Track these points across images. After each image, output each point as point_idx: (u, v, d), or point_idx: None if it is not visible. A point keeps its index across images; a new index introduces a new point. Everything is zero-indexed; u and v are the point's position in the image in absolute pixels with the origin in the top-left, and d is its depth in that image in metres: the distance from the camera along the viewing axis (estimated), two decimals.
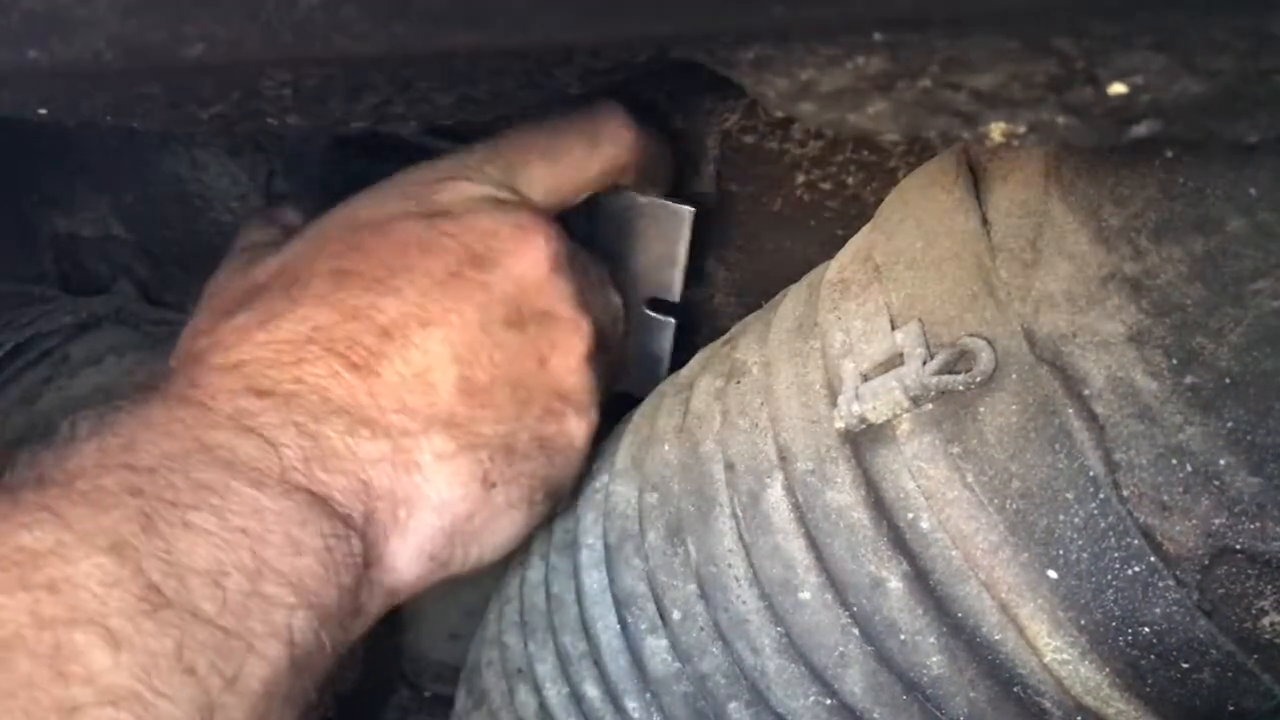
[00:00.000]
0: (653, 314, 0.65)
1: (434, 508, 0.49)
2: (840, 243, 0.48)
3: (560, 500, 0.55)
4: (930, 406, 0.38)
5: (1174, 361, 0.34)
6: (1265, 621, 0.35)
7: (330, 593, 0.45)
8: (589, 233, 0.64)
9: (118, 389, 0.67)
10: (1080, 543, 0.36)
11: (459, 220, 0.52)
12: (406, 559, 0.49)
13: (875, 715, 0.42)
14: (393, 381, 0.49)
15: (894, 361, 0.39)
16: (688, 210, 0.62)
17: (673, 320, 0.66)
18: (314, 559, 0.44)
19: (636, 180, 0.60)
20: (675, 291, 0.65)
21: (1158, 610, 0.36)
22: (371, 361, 0.49)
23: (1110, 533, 0.36)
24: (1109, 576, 0.36)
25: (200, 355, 0.49)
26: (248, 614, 0.42)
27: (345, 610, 0.46)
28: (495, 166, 0.55)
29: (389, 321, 0.50)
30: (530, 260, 0.52)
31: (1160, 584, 0.35)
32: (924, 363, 0.38)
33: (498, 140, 0.56)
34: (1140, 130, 0.27)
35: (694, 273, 0.65)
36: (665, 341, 0.67)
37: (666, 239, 0.63)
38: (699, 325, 0.71)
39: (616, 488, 0.52)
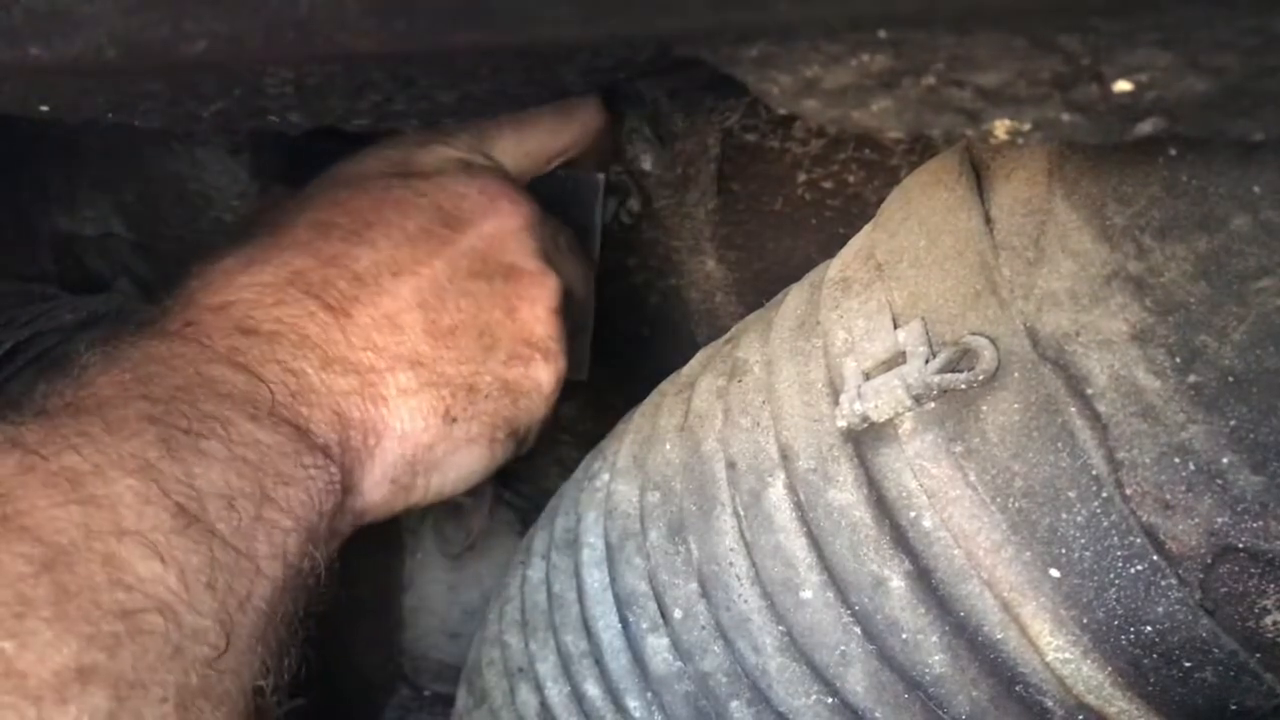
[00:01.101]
0: None
1: (398, 437, 0.53)
2: (842, 241, 0.48)
3: (524, 440, 0.59)
4: (933, 405, 0.38)
5: (1177, 360, 0.34)
6: (1268, 620, 0.35)
7: (314, 518, 0.48)
8: None
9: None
10: (1083, 541, 0.36)
11: (432, 181, 0.56)
12: (372, 483, 0.52)
13: (877, 714, 0.42)
14: (363, 323, 0.53)
15: (896, 360, 0.39)
16: (599, 178, 0.65)
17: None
18: (300, 488, 0.48)
19: (594, 154, 0.64)
20: (593, 261, 0.67)
21: (1160, 609, 0.36)
22: (345, 304, 0.53)
23: (1113, 531, 0.36)
24: (1111, 575, 0.36)
25: (192, 295, 0.53)
26: (254, 537, 0.45)
27: (325, 534, 0.49)
28: (469, 132, 0.59)
29: (362, 269, 0.54)
30: (496, 221, 0.56)
31: (1163, 583, 0.35)
32: (926, 361, 0.38)
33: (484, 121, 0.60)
34: (1145, 128, 0.27)
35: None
36: (587, 318, 0.68)
37: (581, 210, 0.66)
38: (699, 323, 0.71)
39: (618, 486, 0.52)
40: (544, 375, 0.58)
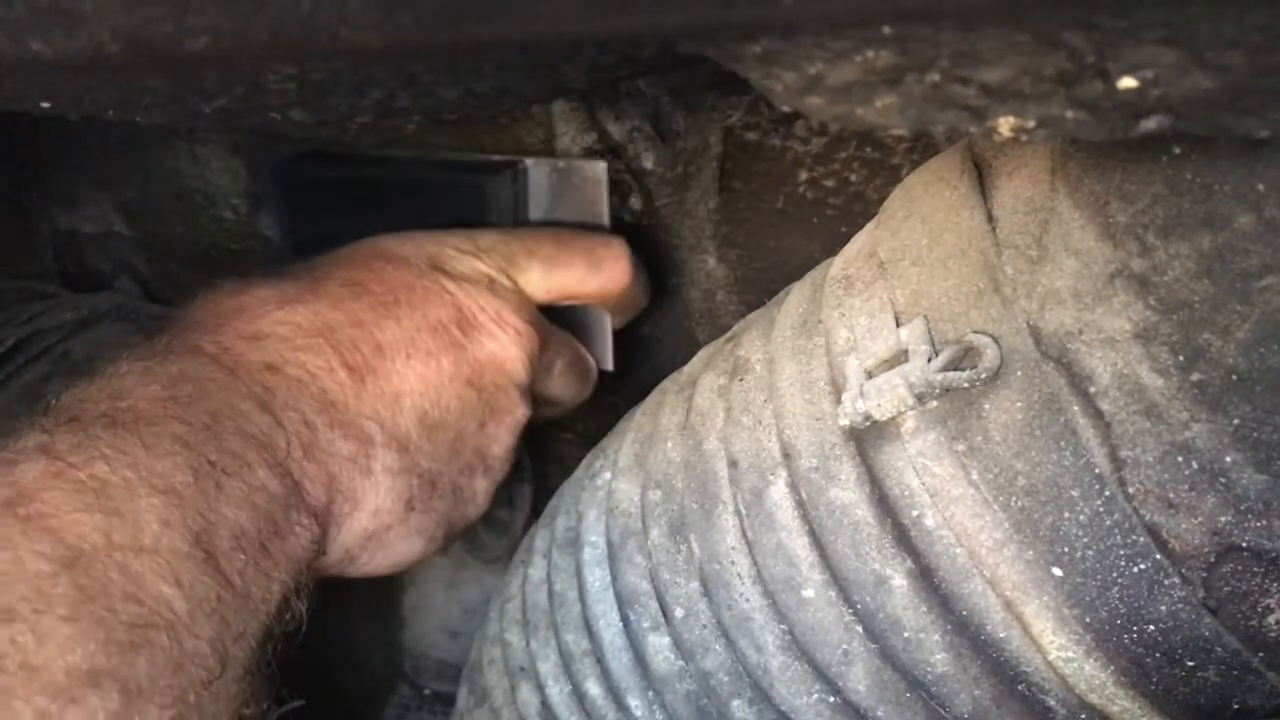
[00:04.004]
0: None
1: (370, 512, 0.55)
2: (843, 240, 0.48)
3: (451, 542, 0.62)
4: (935, 403, 0.38)
5: (1180, 358, 0.34)
6: (1271, 619, 0.35)
7: (298, 573, 0.50)
8: (516, 199, 0.67)
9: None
10: (1085, 540, 0.36)
11: (459, 284, 0.60)
12: (335, 549, 0.54)
13: (879, 713, 0.42)
14: (373, 392, 0.55)
15: (899, 358, 0.39)
16: (601, 165, 0.66)
17: None
18: (288, 542, 0.50)
19: (615, 309, 0.68)
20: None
21: (1163, 608, 0.36)
22: (363, 369, 0.55)
23: (1115, 530, 0.36)
24: (1114, 574, 0.36)
25: (227, 318, 0.55)
26: (252, 579, 0.47)
27: (301, 587, 0.51)
28: (502, 254, 0.63)
29: (384, 341, 0.56)
30: (499, 344, 0.60)
31: (1165, 581, 0.35)
32: (929, 359, 0.38)
33: (512, 234, 0.65)
34: (1149, 125, 0.27)
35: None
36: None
37: (588, 197, 0.67)
38: (700, 322, 0.71)
39: (619, 485, 0.52)
40: (481, 488, 0.61)
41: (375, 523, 0.55)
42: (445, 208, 0.68)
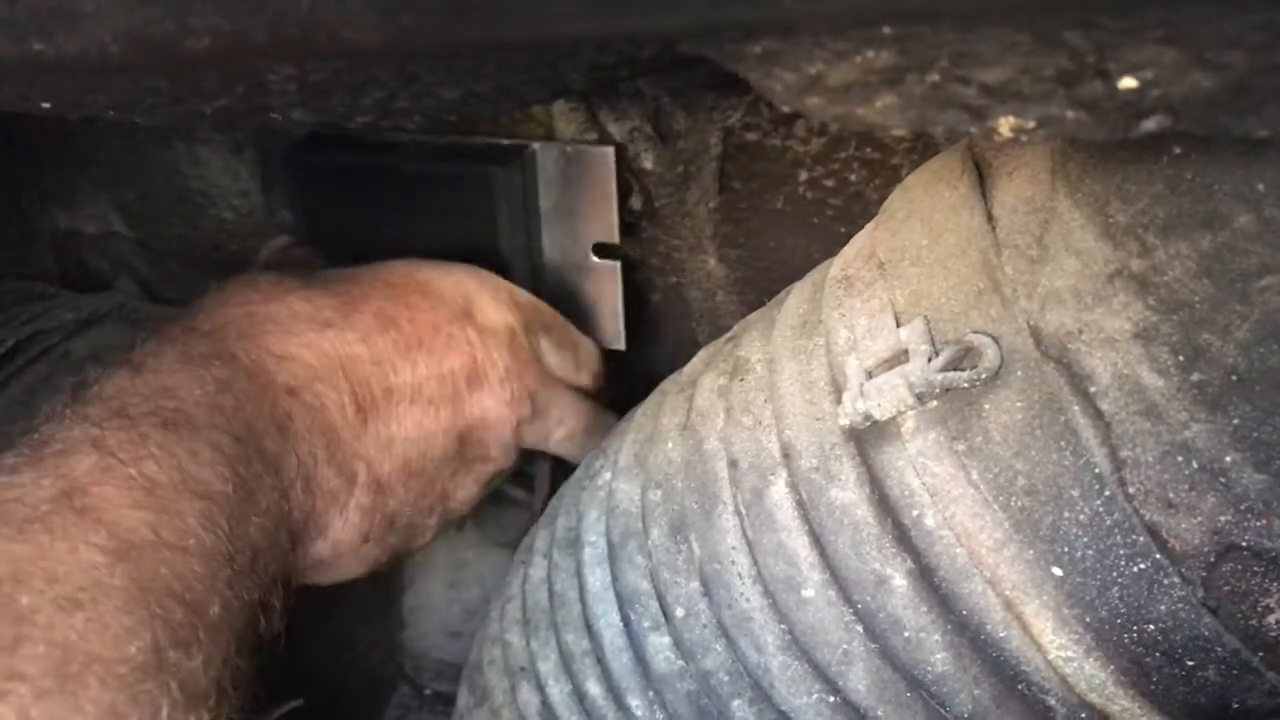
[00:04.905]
0: (598, 260, 0.69)
1: (331, 541, 0.56)
2: (843, 240, 0.48)
3: (390, 568, 0.64)
4: (935, 403, 0.38)
5: (1180, 358, 0.34)
6: (1271, 619, 0.35)
7: (280, 585, 0.52)
8: (525, 185, 0.68)
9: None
10: (1085, 540, 0.36)
11: (483, 336, 0.61)
12: (294, 571, 0.55)
13: (879, 713, 0.42)
14: (371, 433, 0.56)
15: (899, 358, 0.39)
16: (608, 150, 0.66)
17: (617, 263, 0.69)
18: (277, 563, 0.51)
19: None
20: (614, 233, 0.68)
21: (1163, 607, 0.36)
22: (369, 410, 0.56)
23: (1115, 530, 0.36)
24: (1114, 574, 0.36)
25: (262, 328, 0.55)
26: (252, 593, 0.48)
27: (283, 602, 0.53)
28: (530, 314, 0.64)
29: (395, 384, 0.57)
30: (499, 406, 0.61)
31: (1165, 581, 0.35)
32: (929, 359, 0.38)
33: (541, 302, 0.66)
34: (1150, 125, 0.27)
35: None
36: (614, 285, 0.70)
37: (597, 183, 0.67)
38: (700, 322, 0.71)
39: (619, 485, 0.52)
40: (434, 526, 0.62)
41: (331, 551, 0.56)
42: (455, 195, 0.68)
